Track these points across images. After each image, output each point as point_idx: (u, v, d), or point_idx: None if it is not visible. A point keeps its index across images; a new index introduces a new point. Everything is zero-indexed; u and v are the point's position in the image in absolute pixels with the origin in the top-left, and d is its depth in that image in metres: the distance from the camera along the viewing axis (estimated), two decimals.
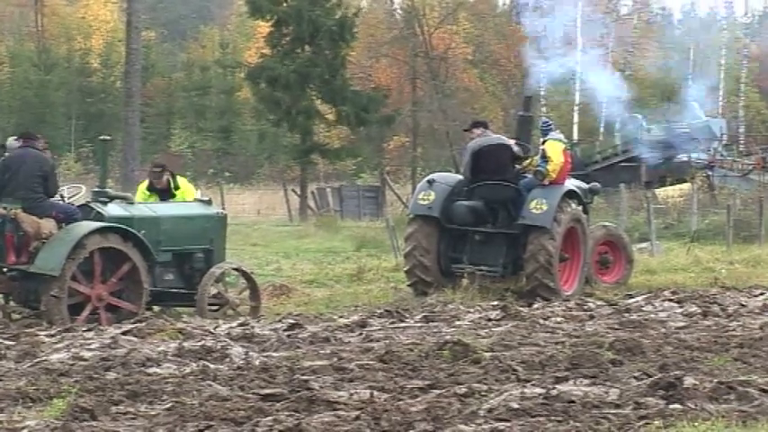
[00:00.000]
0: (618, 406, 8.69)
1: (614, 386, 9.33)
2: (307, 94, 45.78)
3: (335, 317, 14.39)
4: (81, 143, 59.56)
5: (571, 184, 18.23)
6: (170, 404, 8.72)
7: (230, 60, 63.07)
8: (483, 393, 9.08)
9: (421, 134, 57.29)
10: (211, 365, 10.33)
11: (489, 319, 14.19)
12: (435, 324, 13.75)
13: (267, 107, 47.01)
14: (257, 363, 10.58)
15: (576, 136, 56.49)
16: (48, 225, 13.94)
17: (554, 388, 9.06)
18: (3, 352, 11.15)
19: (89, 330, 12.50)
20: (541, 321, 13.99)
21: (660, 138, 49.21)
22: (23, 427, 8.02)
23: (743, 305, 15.75)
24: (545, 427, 8.06)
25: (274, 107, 46.06)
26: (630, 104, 45.72)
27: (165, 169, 16.40)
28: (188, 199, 16.10)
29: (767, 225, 29.78)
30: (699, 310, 15.06)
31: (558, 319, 14.31)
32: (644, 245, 26.25)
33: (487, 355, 10.87)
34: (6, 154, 14.39)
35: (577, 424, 8.13)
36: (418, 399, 8.92)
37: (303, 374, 9.88)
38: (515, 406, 8.53)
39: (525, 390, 9.03)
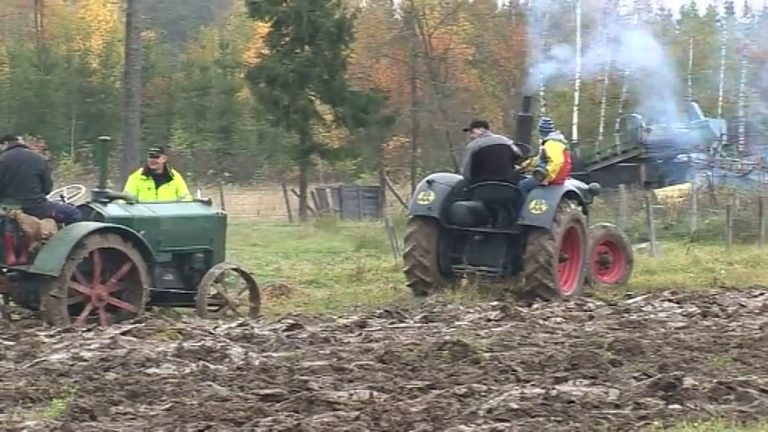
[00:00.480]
0: (617, 406, 8.69)
1: (614, 386, 9.32)
2: (304, 93, 45.80)
3: (335, 317, 14.39)
4: (81, 143, 59.60)
5: (571, 184, 18.23)
6: (169, 404, 8.71)
7: (230, 61, 63.17)
8: (482, 394, 9.08)
9: (421, 134, 57.34)
10: (211, 366, 10.33)
11: (489, 320, 14.18)
12: (435, 324, 13.75)
13: (266, 107, 47.05)
14: (257, 363, 10.57)
15: (575, 136, 56.50)
16: (47, 225, 13.94)
17: (554, 388, 9.06)
18: (2, 352, 11.15)
19: (89, 331, 12.50)
20: (541, 322, 13.98)
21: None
22: (23, 428, 8.01)
23: (742, 305, 15.74)
24: (545, 428, 8.06)
25: (273, 107, 46.10)
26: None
27: (164, 152, 16.54)
28: (181, 190, 16.16)
29: (767, 225, 29.77)
30: (698, 311, 15.06)
31: (558, 320, 14.31)
32: (643, 245, 26.23)
33: (487, 355, 10.87)
34: None
35: (577, 424, 8.13)
36: (418, 399, 8.92)
37: (303, 375, 9.88)
38: (515, 406, 8.52)
39: (525, 390, 9.03)
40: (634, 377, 9.80)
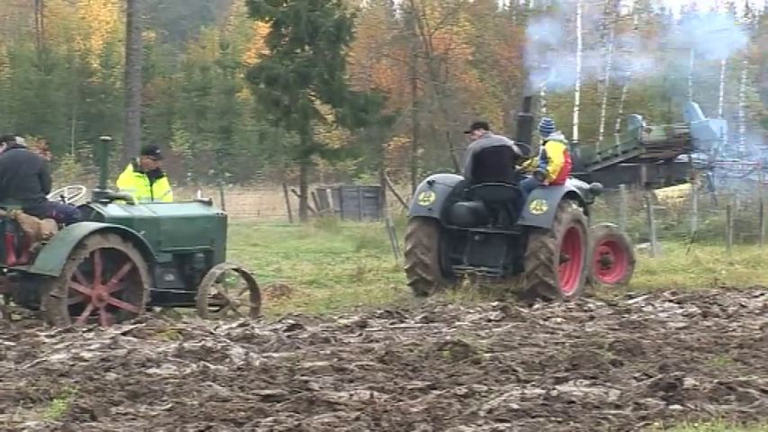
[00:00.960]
0: (618, 406, 8.69)
1: (614, 387, 9.33)
2: (304, 93, 45.81)
3: (335, 317, 14.39)
4: (81, 143, 59.62)
5: (572, 184, 18.23)
6: (170, 405, 8.71)
7: (230, 61, 63.23)
8: (483, 394, 9.08)
9: (421, 135, 57.31)
10: (211, 366, 10.33)
11: (489, 320, 14.18)
12: (435, 324, 13.75)
13: (266, 107, 47.07)
14: (257, 363, 10.57)
15: (576, 136, 56.47)
16: (48, 226, 13.94)
17: (554, 388, 9.06)
18: (3, 352, 11.15)
19: (89, 331, 12.49)
20: (541, 322, 13.99)
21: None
22: (23, 428, 8.01)
23: (743, 306, 15.75)
24: (545, 428, 8.06)
25: (273, 107, 46.12)
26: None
27: (160, 156, 16.51)
28: (164, 187, 16.11)
29: (767, 226, 29.78)
30: (699, 311, 15.06)
31: (558, 320, 14.31)
32: (644, 245, 26.25)
33: (487, 355, 10.87)
34: None
35: (577, 425, 8.13)
36: (418, 399, 8.92)
37: (303, 375, 9.88)
38: (515, 406, 8.53)
39: (525, 390, 9.03)
40: (635, 377, 9.80)
